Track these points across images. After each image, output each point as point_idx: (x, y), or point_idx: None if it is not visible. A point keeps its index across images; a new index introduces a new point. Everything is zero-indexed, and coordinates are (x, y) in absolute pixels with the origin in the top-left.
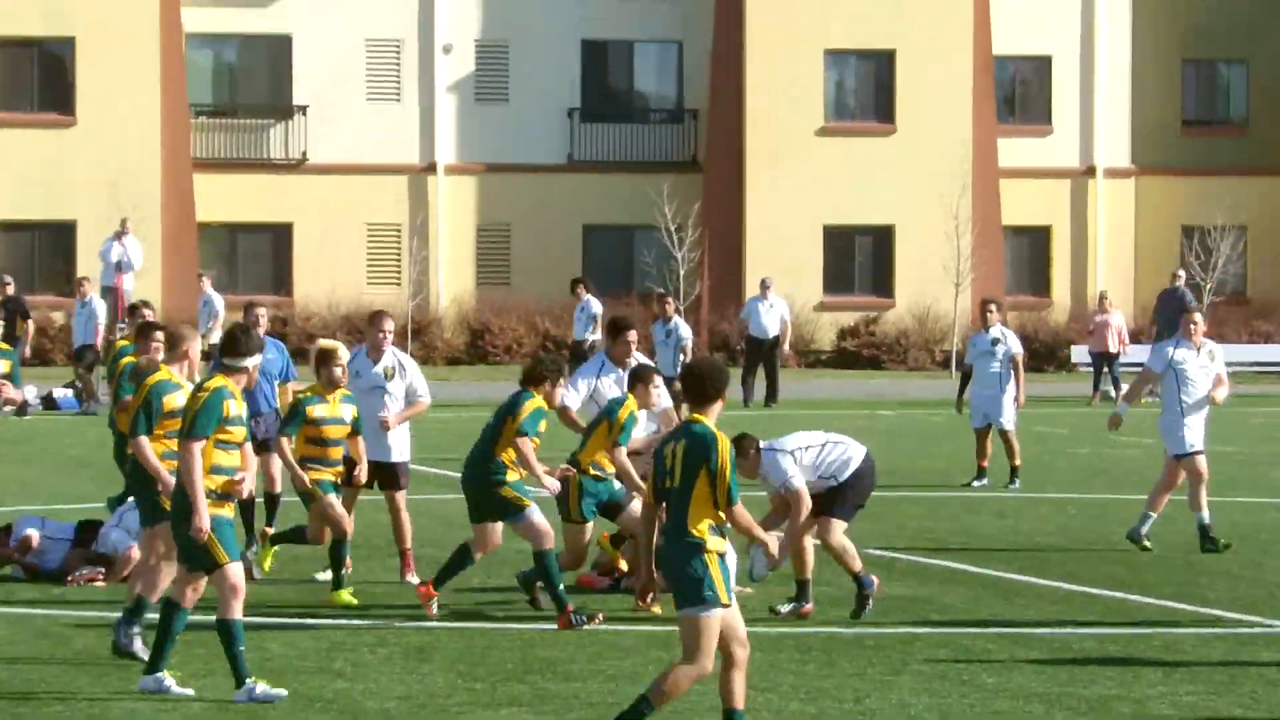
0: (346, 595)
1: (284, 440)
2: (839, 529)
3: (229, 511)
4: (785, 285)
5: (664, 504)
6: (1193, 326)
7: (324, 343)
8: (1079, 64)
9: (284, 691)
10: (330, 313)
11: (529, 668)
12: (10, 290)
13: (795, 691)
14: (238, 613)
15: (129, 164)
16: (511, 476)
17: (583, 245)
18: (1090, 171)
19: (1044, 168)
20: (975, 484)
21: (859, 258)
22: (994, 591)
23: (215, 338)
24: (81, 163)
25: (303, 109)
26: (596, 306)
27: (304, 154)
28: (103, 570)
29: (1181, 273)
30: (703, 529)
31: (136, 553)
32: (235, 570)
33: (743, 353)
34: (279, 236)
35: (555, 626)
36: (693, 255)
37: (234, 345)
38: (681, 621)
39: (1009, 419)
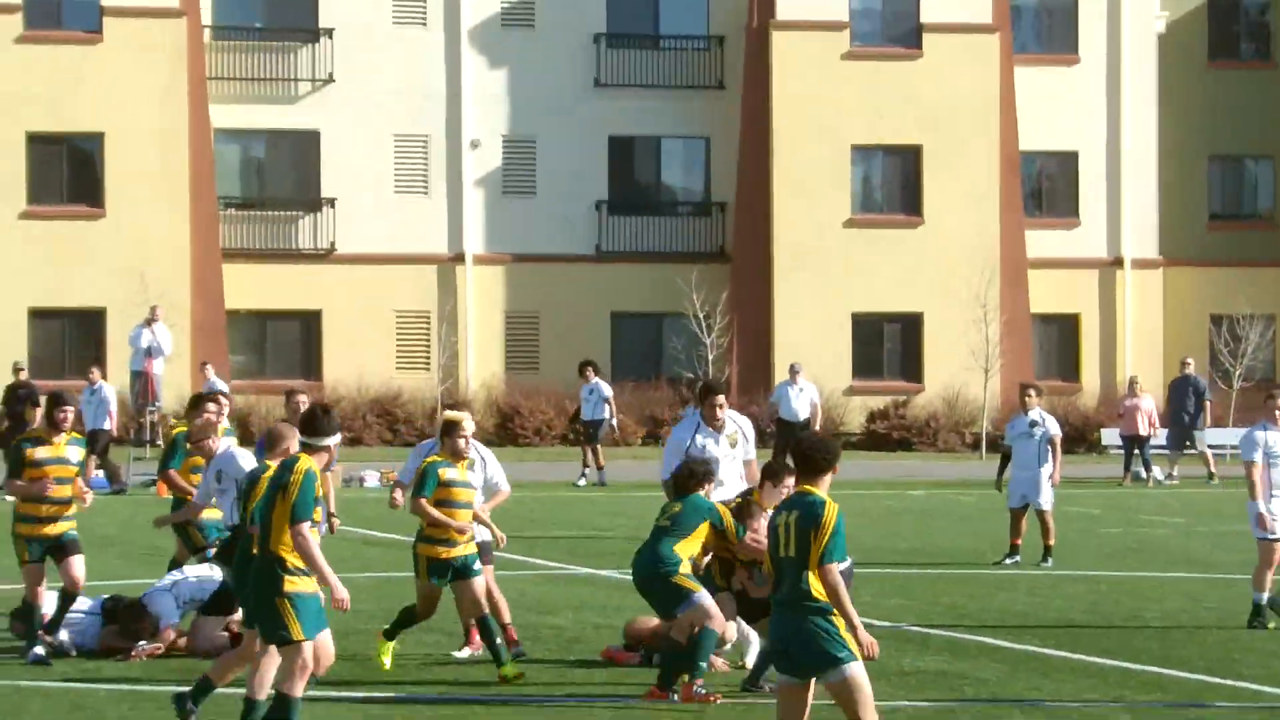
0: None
1: (423, 501)
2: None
3: (315, 589)
4: (813, 370)
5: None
6: (1278, 411)
7: (449, 414)
8: (1105, 159)
9: None
10: (360, 395)
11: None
12: (24, 376)
13: None
14: (299, 690)
15: (158, 254)
16: (685, 568)
17: (611, 332)
18: (1118, 262)
19: (1072, 258)
20: (1007, 561)
21: (888, 344)
22: (1028, 666)
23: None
24: (110, 253)
25: (331, 201)
26: (607, 389)
27: (332, 244)
28: (160, 645)
29: (1190, 360)
30: (822, 592)
31: (171, 634)
32: (309, 650)
33: (773, 435)
34: (308, 323)
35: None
36: (721, 341)
37: (315, 425)
38: (833, 688)
39: (1046, 499)
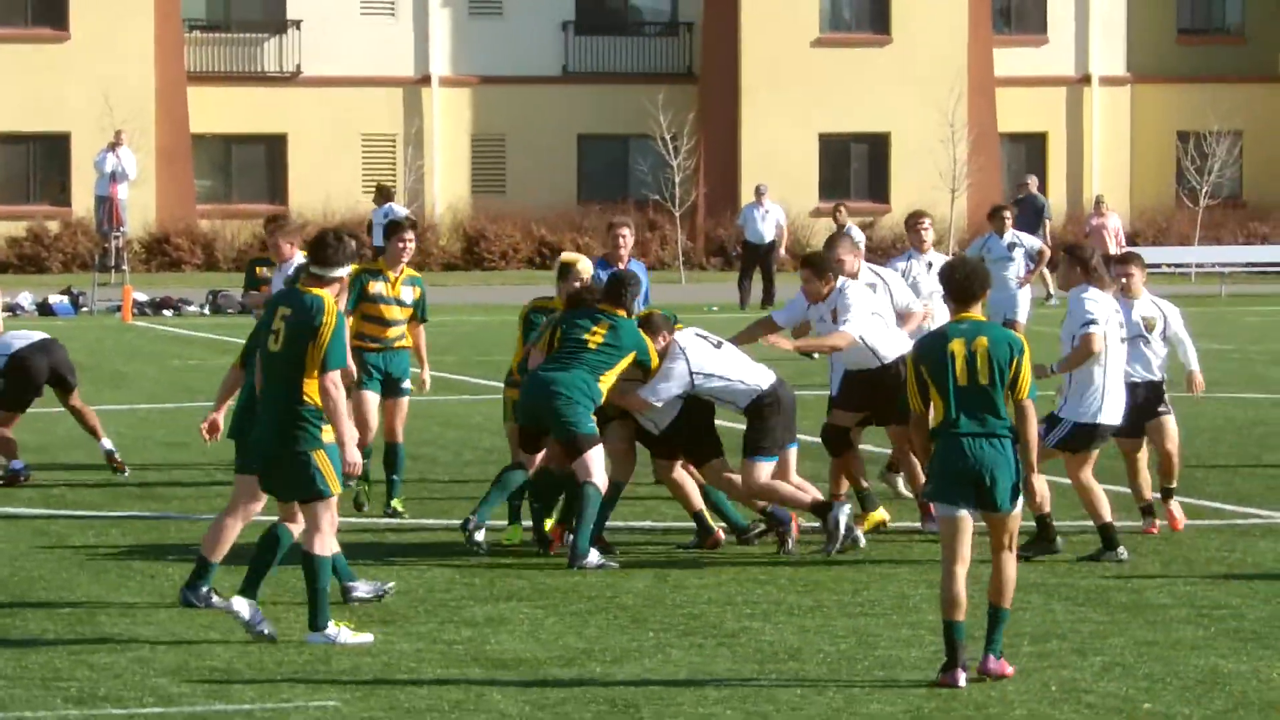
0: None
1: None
2: (764, 471)
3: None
4: (781, 191)
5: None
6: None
7: (566, 255)
8: None
9: (368, 637)
10: (326, 219)
11: (525, 563)
12: None
13: (793, 584)
14: (327, 548)
15: (122, 77)
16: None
17: (578, 154)
18: (1086, 80)
19: (1040, 76)
20: None
21: (854, 164)
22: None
23: None
24: (75, 76)
25: (297, 23)
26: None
27: (298, 67)
28: None
29: (1032, 178)
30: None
31: None
32: (334, 503)
33: (739, 258)
34: (273, 147)
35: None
36: (688, 164)
37: (326, 253)
38: (1001, 519)
39: (1023, 311)
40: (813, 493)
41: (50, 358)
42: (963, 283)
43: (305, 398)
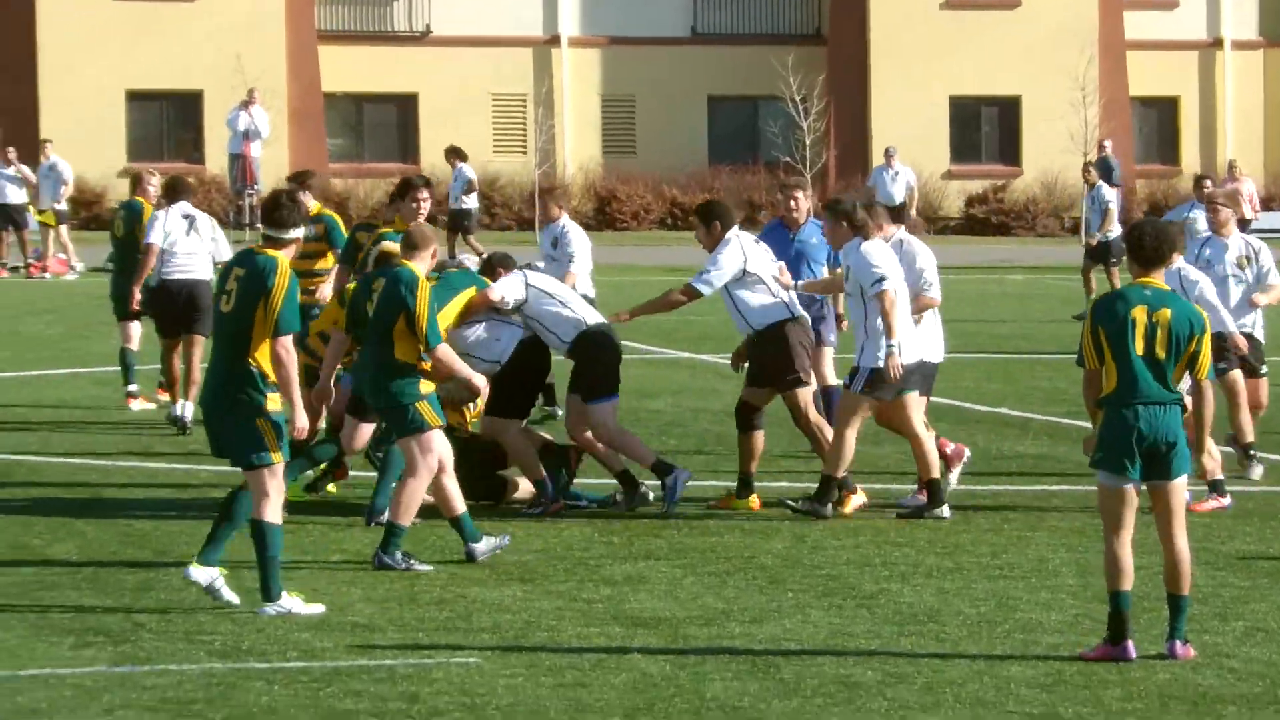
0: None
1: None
2: (608, 412)
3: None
4: (912, 154)
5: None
6: None
7: (387, 246)
8: None
9: (320, 608)
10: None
11: (666, 524)
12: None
13: (932, 546)
14: (277, 515)
15: (254, 36)
16: None
17: (708, 116)
18: (1218, 43)
19: (1171, 40)
20: None
21: (985, 127)
22: None
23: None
24: (207, 35)
25: None
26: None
27: (428, 26)
28: None
29: (1108, 142)
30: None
31: None
32: (280, 469)
33: None
34: (404, 106)
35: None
36: (818, 125)
37: (279, 215)
38: (1170, 490)
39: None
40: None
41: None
42: (1153, 245)
43: (251, 362)
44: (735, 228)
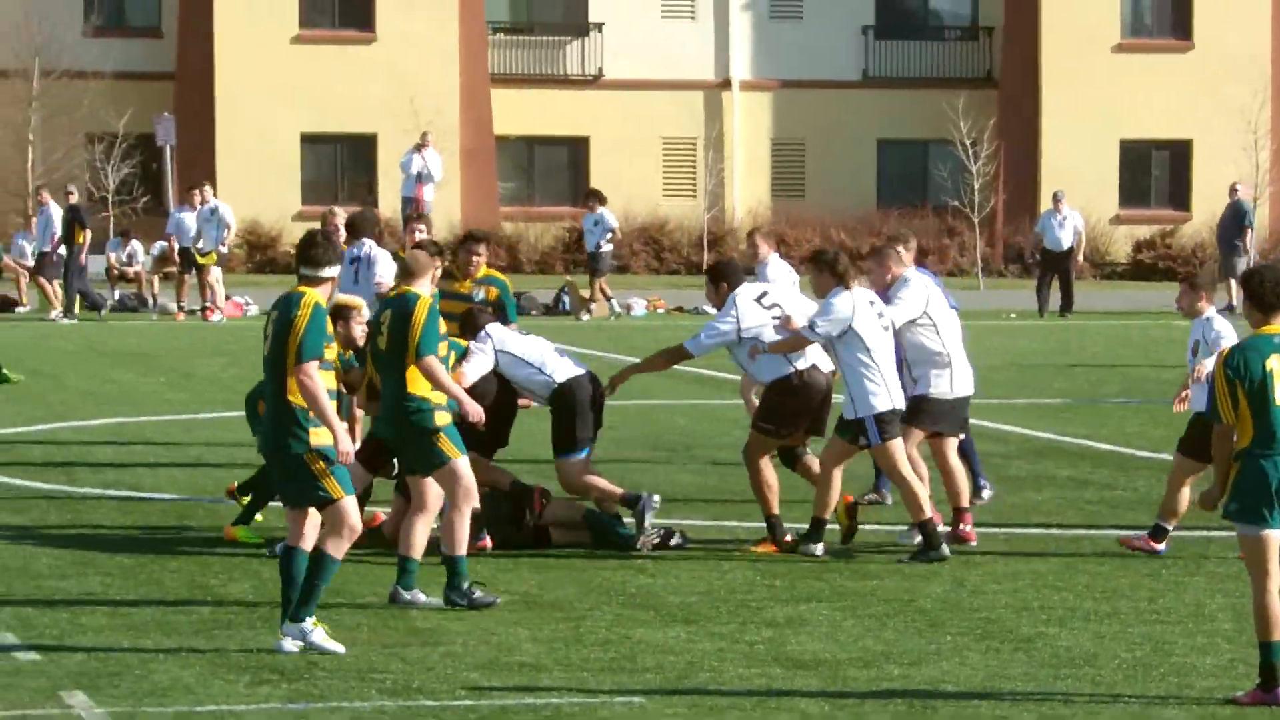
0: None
1: None
2: (572, 467)
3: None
4: (1080, 198)
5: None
6: None
7: (342, 298)
8: None
9: (341, 647)
10: (628, 223)
11: (826, 566)
12: (73, 199)
13: (1090, 590)
14: (340, 551)
15: (427, 79)
16: None
17: (877, 159)
18: None
19: None
20: None
21: (1155, 171)
22: None
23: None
24: (380, 78)
25: (599, 26)
26: (611, 220)
27: (600, 70)
28: None
29: (1241, 185)
30: None
31: None
32: (351, 505)
33: (1037, 264)
34: (575, 149)
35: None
36: (987, 169)
37: (313, 254)
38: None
39: None
40: (617, 490)
41: None
42: (1274, 291)
43: (290, 398)
44: (743, 287)
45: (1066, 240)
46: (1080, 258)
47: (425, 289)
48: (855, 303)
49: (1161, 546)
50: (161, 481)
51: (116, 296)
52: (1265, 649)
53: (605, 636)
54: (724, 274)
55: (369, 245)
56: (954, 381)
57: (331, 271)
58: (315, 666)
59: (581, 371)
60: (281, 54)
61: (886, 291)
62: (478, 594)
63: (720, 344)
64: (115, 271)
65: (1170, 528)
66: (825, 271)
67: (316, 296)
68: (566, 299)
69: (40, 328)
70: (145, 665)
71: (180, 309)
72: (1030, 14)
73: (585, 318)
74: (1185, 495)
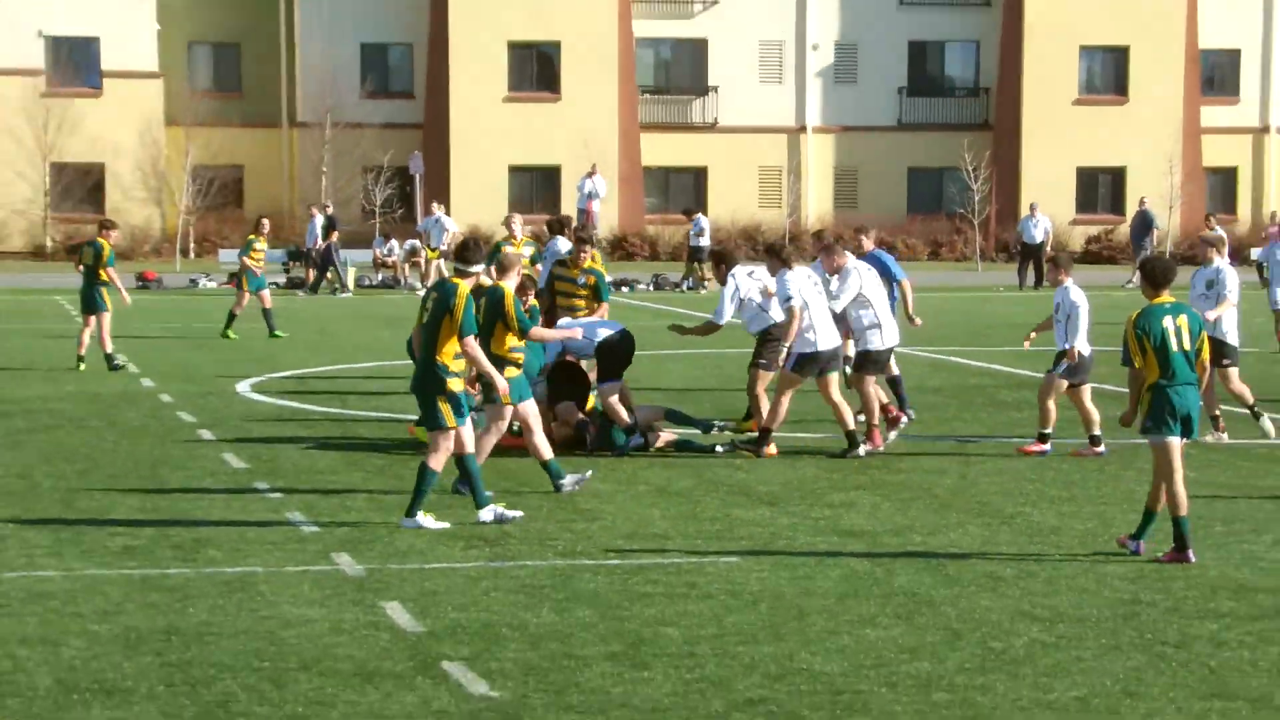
0: None
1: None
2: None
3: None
4: (1049, 207)
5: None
6: None
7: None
8: None
9: (446, 524)
10: (733, 226)
11: (870, 464)
12: (329, 210)
13: (1054, 481)
14: (439, 464)
15: (598, 125)
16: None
17: (908, 181)
18: (1266, 129)
19: (1233, 126)
20: None
21: (1101, 189)
22: None
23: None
24: (563, 125)
25: (715, 88)
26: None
27: (715, 119)
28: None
29: (1145, 197)
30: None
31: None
32: (453, 435)
33: (1018, 254)
34: (698, 176)
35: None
36: (984, 188)
37: (467, 254)
38: (1180, 447)
39: None
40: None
41: None
42: (1163, 273)
43: (438, 357)
44: (737, 267)
45: (1039, 236)
46: (1049, 249)
47: (512, 282)
48: (799, 278)
49: (1102, 449)
50: (408, 406)
51: (379, 278)
52: (1176, 523)
53: (712, 514)
54: (724, 258)
55: (559, 241)
56: (884, 337)
57: (477, 268)
58: (509, 535)
59: (618, 329)
60: (496, 110)
61: (834, 275)
62: (504, 511)
63: (733, 310)
64: (378, 261)
65: (1099, 434)
66: (774, 257)
67: (467, 288)
68: (691, 279)
69: (326, 300)
70: (391, 535)
71: (420, 287)
72: (1014, 78)
73: (703, 290)
74: (1052, 408)
